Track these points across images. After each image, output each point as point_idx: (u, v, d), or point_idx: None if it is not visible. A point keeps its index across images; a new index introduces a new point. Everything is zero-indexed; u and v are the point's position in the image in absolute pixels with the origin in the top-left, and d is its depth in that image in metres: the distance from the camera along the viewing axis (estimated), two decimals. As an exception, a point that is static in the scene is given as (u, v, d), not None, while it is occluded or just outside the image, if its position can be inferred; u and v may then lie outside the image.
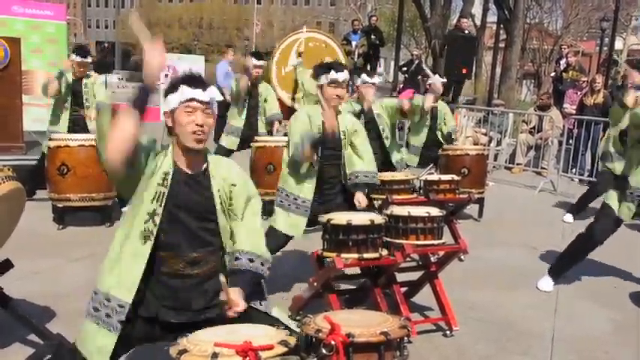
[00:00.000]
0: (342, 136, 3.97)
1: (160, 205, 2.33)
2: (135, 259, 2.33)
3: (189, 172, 2.41)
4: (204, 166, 2.45)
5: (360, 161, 4.00)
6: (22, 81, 7.27)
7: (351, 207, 3.92)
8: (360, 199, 3.92)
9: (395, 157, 5.39)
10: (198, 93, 2.34)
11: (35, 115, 8.11)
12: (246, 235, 2.47)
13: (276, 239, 3.89)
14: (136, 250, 2.33)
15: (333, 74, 3.83)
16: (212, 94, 2.38)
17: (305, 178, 3.90)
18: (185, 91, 2.33)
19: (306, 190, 3.91)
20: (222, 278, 2.25)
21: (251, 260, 2.44)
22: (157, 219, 2.33)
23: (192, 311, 2.39)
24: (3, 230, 3.16)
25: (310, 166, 3.86)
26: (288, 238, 4.03)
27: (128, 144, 2.18)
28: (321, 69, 3.92)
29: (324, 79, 3.87)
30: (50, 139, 5.84)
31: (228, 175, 2.47)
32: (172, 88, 2.36)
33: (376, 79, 5.33)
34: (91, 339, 2.34)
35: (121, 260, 2.35)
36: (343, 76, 3.86)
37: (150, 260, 2.34)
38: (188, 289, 2.38)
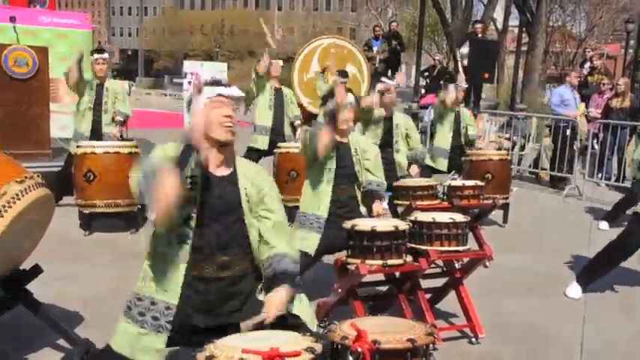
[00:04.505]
0: (354, 153, 4.05)
1: (194, 210, 2.37)
2: (175, 263, 2.38)
3: (218, 174, 2.44)
4: (232, 168, 2.48)
5: (372, 174, 4.10)
6: (49, 89, 7.39)
7: None
8: (376, 209, 3.93)
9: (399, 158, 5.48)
10: (223, 89, 2.44)
11: (62, 122, 8.21)
12: (282, 237, 2.51)
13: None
14: (175, 254, 2.38)
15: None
16: (235, 90, 2.48)
17: (321, 196, 3.94)
18: (212, 89, 2.43)
19: (323, 208, 3.93)
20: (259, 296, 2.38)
21: (294, 262, 2.50)
22: (192, 222, 2.37)
23: (221, 315, 2.42)
24: (33, 236, 3.22)
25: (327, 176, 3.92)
26: (310, 262, 4.02)
27: (174, 205, 2.23)
28: (327, 96, 4.10)
29: (330, 105, 3.98)
30: (77, 146, 5.93)
31: (256, 178, 2.51)
32: (197, 93, 2.44)
33: (394, 81, 5.41)
34: (140, 341, 2.39)
35: (163, 264, 2.40)
36: (350, 99, 3.98)
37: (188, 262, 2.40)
38: (218, 293, 2.42)
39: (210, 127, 2.40)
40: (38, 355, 3.31)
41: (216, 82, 2.48)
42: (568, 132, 9.11)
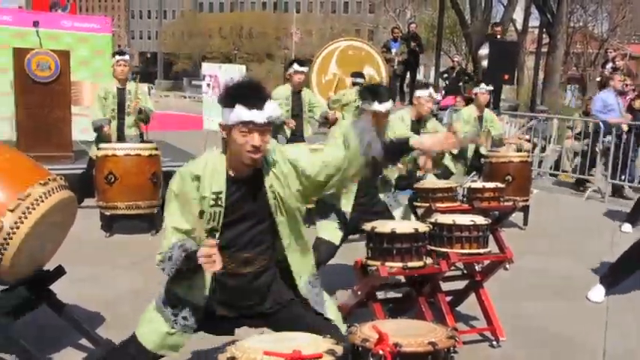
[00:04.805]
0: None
1: (218, 223, 2.39)
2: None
3: (243, 176, 2.41)
4: (259, 168, 2.44)
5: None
6: (70, 92, 7.48)
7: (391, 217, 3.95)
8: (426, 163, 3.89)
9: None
10: (254, 115, 2.25)
11: (83, 125, 8.29)
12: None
13: (322, 253, 3.93)
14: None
15: (376, 105, 3.72)
16: (270, 112, 2.28)
17: (346, 191, 3.92)
18: (241, 113, 2.25)
19: (346, 202, 3.94)
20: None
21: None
22: (217, 234, 2.39)
23: (241, 308, 2.49)
24: (57, 237, 3.26)
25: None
26: (333, 251, 4.04)
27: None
28: (367, 93, 3.80)
29: (367, 106, 3.77)
30: (98, 148, 6.00)
31: (278, 166, 2.42)
32: (228, 102, 2.30)
33: (434, 94, 5.41)
34: (168, 339, 2.49)
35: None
36: (386, 106, 3.75)
37: None
38: (241, 287, 2.45)
39: (236, 149, 2.33)
40: (61, 354, 3.35)
41: (249, 102, 2.25)
42: (610, 138, 8.86)
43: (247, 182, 2.42)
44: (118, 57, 6.44)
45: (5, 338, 3.02)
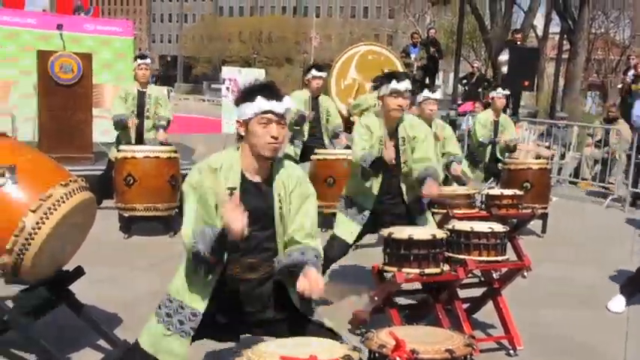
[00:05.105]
0: (401, 143, 3.91)
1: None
2: (207, 273, 2.42)
3: (255, 180, 2.46)
4: (269, 174, 2.48)
5: (421, 162, 3.86)
6: (92, 95, 7.56)
7: (411, 221, 3.91)
8: (429, 186, 3.71)
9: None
10: (274, 105, 2.36)
11: (104, 127, 8.37)
12: (309, 230, 2.47)
13: (334, 249, 3.93)
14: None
15: (394, 84, 3.74)
16: (287, 104, 2.40)
17: (367, 190, 3.92)
18: (261, 103, 2.35)
19: (368, 202, 3.93)
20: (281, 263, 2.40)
21: (317, 257, 2.43)
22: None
23: (243, 314, 2.48)
24: (77, 238, 3.30)
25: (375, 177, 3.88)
26: (346, 249, 4.05)
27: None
28: (382, 79, 3.85)
29: (384, 90, 3.80)
30: (118, 151, 6.06)
31: (288, 178, 2.49)
32: (248, 97, 2.38)
33: (438, 95, 5.29)
34: (163, 342, 2.47)
35: (193, 270, 2.45)
36: (405, 85, 3.77)
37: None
38: (245, 293, 2.46)
39: (256, 142, 2.39)
40: (80, 354, 3.39)
41: (268, 94, 2.37)
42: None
43: (259, 186, 2.45)
44: (139, 60, 6.49)
45: (26, 338, 3.06)
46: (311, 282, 2.28)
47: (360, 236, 4.07)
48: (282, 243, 2.49)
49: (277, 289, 2.51)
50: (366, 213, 3.95)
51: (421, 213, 4.06)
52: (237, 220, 2.21)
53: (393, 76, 3.85)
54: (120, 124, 6.28)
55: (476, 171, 7.07)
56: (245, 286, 2.45)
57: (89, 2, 11.52)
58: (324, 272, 3.96)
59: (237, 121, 2.44)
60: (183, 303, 2.46)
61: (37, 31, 9.05)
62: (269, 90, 2.39)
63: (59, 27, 7.18)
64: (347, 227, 4.00)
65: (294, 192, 2.48)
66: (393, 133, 3.89)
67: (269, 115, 2.36)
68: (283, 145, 2.42)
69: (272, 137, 2.36)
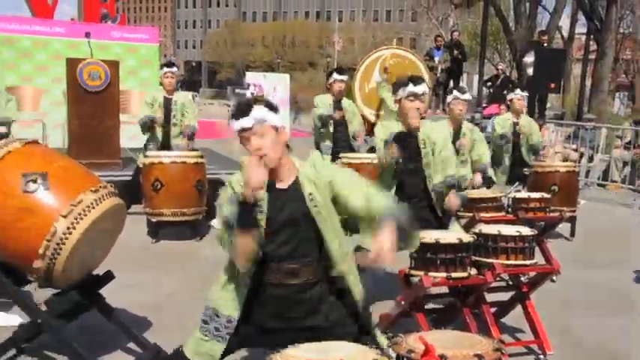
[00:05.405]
0: (422, 146, 3.91)
1: (260, 231, 2.40)
2: (241, 280, 2.49)
3: (281, 187, 2.46)
4: (294, 177, 2.48)
5: (441, 171, 3.90)
6: (119, 101, 7.67)
7: (441, 226, 3.88)
8: (450, 200, 3.80)
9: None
10: (242, 122, 2.41)
11: (131, 132, 8.51)
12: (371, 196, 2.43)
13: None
14: (241, 272, 2.46)
15: (410, 87, 3.79)
16: (256, 114, 2.39)
17: (388, 188, 3.88)
18: (234, 125, 2.44)
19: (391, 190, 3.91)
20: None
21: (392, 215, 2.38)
22: (258, 239, 2.39)
23: (287, 320, 2.48)
24: (106, 243, 3.35)
25: (393, 173, 3.88)
26: None
27: (252, 254, 2.36)
28: (399, 83, 3.90)
29: (401, 93, 3.84)
30: (145, 156, 6.14)
31: (319, 176, 2.48)
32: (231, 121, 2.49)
33: (467, 96, 5.28)
34: (202, 348, 2.55)
35: (230, 278, 2.53)
36: (422, 89, 3.81)
37: (256, 272, 2.46)
38: (286, 297, 2.47)
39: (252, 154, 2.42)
40: (111, 357, 3.44)
41: (236, 114, 2.43)
42: None
43: (288, 191, 2.46)
44: (166, 69, 6.55)
45: (58, 341, 3.12)
46: (383, 244, 2.24)
47: None
48: (335, 240, 2.47)
49: (331, 296, 2.51)
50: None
51: (450, 220, 4.03)
52: (257, 174, 2.26)
53: (409, 79, 3.87)
54: (146, 124, 6.37)
55: (498, 174, 6.99)
56: (287, 291, 2.46)
57: (116, 10, 11.70)
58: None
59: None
60: (217, 310, 2.53)
61: (66, 39, 9.24)
62: (237, 110, 2.46)
63: (87, 35, 7.29)
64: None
65: (320, 186, 2.47)
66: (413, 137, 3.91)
67: (243, 134, 2.42)
68: (275, 150, 2.40)
69: (255, 150, 2.38)
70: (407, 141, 3.87)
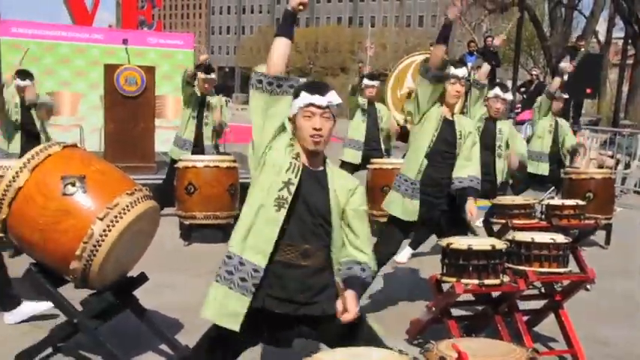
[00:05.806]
0: (458, 136, 3.92)
1: (295, 176, 2.43)
2: (269, 225, 2.41)
3: (314, 169, 2.51)
4: (323, 167, 2.54)
5: (465, 166, 3.91)
6: (154, 106, 7.80)
7: (456, 218, 3.89)
8: (469, 208, 3.77)
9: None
10: (316, 98, 2.45)
11: (165, 137, 8.63)
12: (359, 244, 2.55)
13: (388, 244, 3.92)
14: (270, 217, 2.41)
15: (452, 70, 3.84)
16: (331, 98, 2.46)
17: (415, 161, 3.91)
18: (304, 97, 2.46)
19: (415, 173, 3.91)
20: (337, 279, 2.43)
21: (363, 270, 2.51)
22: (292, 188, 2.41)
23: (295, 303, 2.45)
24: (140, 245, 3.41)
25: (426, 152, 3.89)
26: (399, 243, 4.02)
27: (285, 57, 2.54)
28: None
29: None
30: (180, 160, 6.22)
31: (346, 183, 2.56)
32: (295, 94, 2.49)
33: (509, 95, 5.25)
34: (222, 304, 2.45)
35: (255, 226, 2.43)
36: (462, 72, 3.88)
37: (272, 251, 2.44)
38: (296, 280, 2.44)
39: (300, 135, 2.48)
40: (143, 357, 3.49)
41: (311, 89, 2.48)
42: None
43: (318, 175, 2.51)
44: (204, 74, 6.53)
45: (93, 341, 3.18)
46: (346, 305, 2.32)
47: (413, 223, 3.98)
48: (338, 238, 2.52)
49: (333, 286, 2.52)
50: (416, 185, 3.89)
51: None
52: None
53: (450, 62, 3.91)
54: (187, 74, 6.30)
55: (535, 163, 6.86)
56: (299, 272, 2.44)
57: (152, 17, 11.90)
58: (384, 263, 3.99)
59: (288, 118, 2.51)
60: (243, 259, 2.43)
61: (103, 45, 9.44)
62: (312, 85, 2.52)
63: (124, 42, 7.45)
64: (402, 205, 3.93)
65: (349, 203, 2.54)
66: (450, 121, 3.94)
67: (311, 108, 2.45)
68: (327, 138, 2.46)
69: (314, 129, 2.43)
70: (445, 125, 3.89)
